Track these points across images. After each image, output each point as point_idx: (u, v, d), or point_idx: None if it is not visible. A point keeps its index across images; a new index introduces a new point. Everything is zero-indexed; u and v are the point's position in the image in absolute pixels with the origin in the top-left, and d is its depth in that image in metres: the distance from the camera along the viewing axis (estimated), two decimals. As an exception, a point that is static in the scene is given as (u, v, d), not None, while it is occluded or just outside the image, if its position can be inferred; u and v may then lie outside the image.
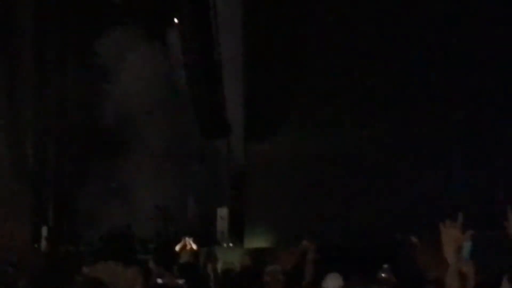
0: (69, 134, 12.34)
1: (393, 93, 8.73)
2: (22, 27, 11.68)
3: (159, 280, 5.77)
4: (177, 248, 9.99)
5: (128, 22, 12.05)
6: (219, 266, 9.02)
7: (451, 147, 8.24)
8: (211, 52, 10.64)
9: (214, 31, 10.55)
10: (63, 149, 12.30)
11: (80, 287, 2.70)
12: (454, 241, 1.49)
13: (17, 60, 11.99)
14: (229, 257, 9.72)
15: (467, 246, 1.88)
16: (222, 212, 10.44)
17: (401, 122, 8.62)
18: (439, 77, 8.50)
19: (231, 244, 10.10)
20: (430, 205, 7.57)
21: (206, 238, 10.26)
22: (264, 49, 10.06)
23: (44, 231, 10.73)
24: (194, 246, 9.87)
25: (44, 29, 11.95)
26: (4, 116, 11.22)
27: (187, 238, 9.92)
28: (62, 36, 12.26)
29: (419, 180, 8.21)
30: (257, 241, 9.91)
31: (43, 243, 10.16)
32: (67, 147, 12.32)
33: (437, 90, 8.46)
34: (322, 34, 9.40)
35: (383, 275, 4.83)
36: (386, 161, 8.38)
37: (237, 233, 10.15)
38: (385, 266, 5.07)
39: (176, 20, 10.82)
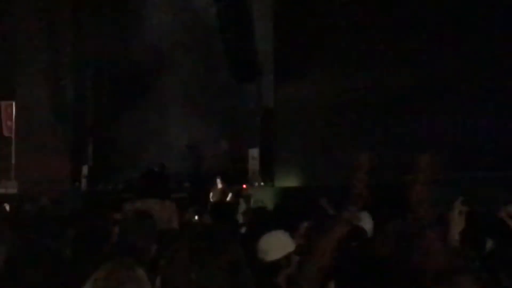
0: (107, 74, 12.71)
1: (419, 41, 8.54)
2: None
3: (194, 218, 6.08)
4: (210, 188, 10.47)
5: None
6: (251, 205, 9.40)
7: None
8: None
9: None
10: (101, 90, 12.70)
11: (129, 218, 2.90)
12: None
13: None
14: (260, 196, 10.13)
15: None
16: (254, 152, 10.70)
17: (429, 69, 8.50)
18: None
19: (262, 184, 10.41)
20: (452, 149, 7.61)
21: (238, 178, 10.64)
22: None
23: (84, 170, 11.29)
24: (225, 186, 10.30)
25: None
26: (44, 57, 11.60)
27: (218, 178, 10.33)
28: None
29: (445, 126, 8.19)
30: (287, 181, 10.18)
31: (83, 182, 10.73)
32: (105, 87, 12.72)
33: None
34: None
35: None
36: (414, 106, 8.36)
37: (267, 173, 10.45)
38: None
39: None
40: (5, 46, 11.94)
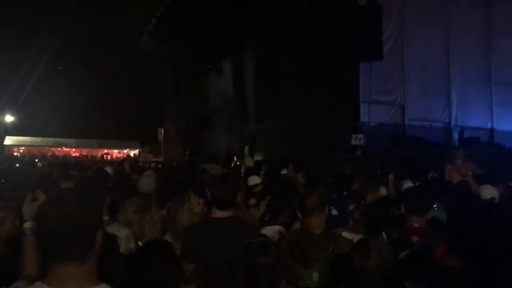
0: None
1: None
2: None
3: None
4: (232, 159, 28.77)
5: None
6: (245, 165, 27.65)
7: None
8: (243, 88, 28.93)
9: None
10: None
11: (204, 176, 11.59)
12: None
13: None
14: (249, 162, 28.13)
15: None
16: (247, 149, 29.00)
17: None
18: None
19: (249, 158, 28.69)
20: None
21: (241, 156, 28.81)
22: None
23: (188, 149, 30.26)
24: (238, 159, 28.60)
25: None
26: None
27: (234, 156, 28.60)
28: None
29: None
30: (258, 157, 28.32)
31: (186, 155, 29.60)
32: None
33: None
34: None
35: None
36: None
37: (252, 155, 28.69)
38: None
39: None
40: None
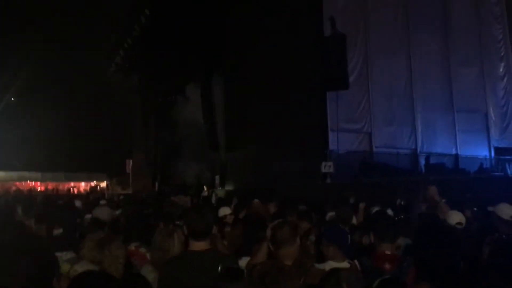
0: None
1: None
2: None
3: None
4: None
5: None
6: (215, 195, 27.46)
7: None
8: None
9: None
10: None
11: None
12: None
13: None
14: (219, 192, 28.03)
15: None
16: (217, 178, 28.87)
17: None
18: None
19: (220, 188, 28.54)
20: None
21: (212, 186, 28.64)
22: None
23: (157, 180, 29.83)
24: (208, 189, 28.42)
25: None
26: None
27: (205, 186, 28.43)
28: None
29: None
30: (228, 187, 28.22)
31: (156, 186, 29.15)
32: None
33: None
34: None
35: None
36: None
37: (222, 185, 28.52)
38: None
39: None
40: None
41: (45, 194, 30.45)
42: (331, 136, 19.17)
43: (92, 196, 14.08)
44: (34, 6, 32.53)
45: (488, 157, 22.55)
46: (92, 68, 32.19)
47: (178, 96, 30.08)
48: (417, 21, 22.04)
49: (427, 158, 20.41)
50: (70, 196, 21.90)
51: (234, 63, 25.68)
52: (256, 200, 8.22)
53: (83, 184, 46.15)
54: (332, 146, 19.01)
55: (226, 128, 27.52)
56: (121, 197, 19.74)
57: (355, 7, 20.79)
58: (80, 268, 3.51)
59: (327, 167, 17.62)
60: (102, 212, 6.08)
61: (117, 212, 7.31)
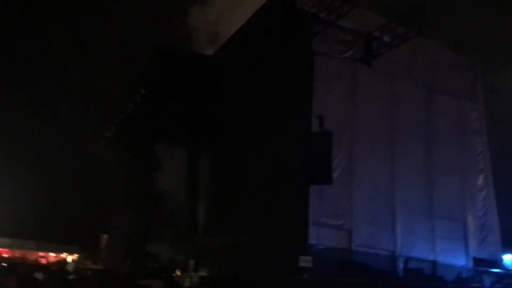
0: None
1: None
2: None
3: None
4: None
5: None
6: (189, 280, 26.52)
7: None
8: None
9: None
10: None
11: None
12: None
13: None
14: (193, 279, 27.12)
15: None
16: (192, 263, 28.08)
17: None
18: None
19: (193, 273, 27.70)
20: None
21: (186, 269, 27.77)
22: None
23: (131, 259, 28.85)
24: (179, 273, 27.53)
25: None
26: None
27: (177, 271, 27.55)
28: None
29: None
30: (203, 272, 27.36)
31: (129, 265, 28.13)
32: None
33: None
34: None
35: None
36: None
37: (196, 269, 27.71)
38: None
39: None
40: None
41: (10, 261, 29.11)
42: (311, 230, 19.06)
43: (58, 270, 13.58)
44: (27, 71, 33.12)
45: (465, 266, 22.45)
46: (78, 139, 32.26)
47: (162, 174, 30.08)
48: (403, 127, 22.93)
49: (405, 262, 20.25)
50: (32, 267, 21.09)
51: (223, 146, 26.10)
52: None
53: (52, 255, 44.55)
54: (311, 240, 18.85)
55: (208, 213, 27.33)
56: (89, 272, 19.11)
57: (344, 108, 21.64)
58: None
59: (305, 261, 17.35)
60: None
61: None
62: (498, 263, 23.24)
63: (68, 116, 31.41)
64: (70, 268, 26.89)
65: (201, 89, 26.39)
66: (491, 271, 21.55)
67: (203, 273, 25.73)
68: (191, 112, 26.39)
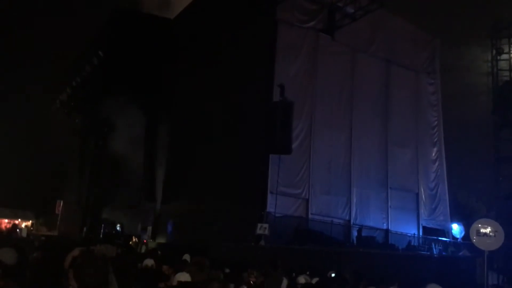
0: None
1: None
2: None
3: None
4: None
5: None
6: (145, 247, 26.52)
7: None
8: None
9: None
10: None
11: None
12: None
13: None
14: (151, 244, 27.18)
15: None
16: (149, 229, 28.09)
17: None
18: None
19: (151, 240, 27.67)
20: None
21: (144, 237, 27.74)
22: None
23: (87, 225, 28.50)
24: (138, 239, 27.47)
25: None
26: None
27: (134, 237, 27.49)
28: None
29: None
30: (160, 240, 27.43)
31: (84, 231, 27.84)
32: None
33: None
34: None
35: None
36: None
37: (153, 236, 27.72)
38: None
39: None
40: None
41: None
42: (270, 199, 19.27)
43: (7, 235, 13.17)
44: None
45: (416, 235, 23.33)
46: (33, 100, 31.10)
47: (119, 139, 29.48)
48: (360, 100, 23.26)
49: (359, 230, 20.85)
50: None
51: (181, 112, 25.77)
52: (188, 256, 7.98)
53: (6, 220, 43.41)
54: (269, 208, 19.07)
55: (166, 179, 27.11)
56: (43, 238, 18.76)
57: (305, 78, 21.67)
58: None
59: (262, 229, 17.58)
60: (5, 255, 5.14)
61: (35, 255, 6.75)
62: (446, 232, 24.22)
63: (21, 83, 30.03)
64: (23, 233, 26.35)
65: (160, 52, 25.79)
66: (440, 240, 22.44)
67: (160, 240, 25.75)
68: (149, 75, 25.81)
